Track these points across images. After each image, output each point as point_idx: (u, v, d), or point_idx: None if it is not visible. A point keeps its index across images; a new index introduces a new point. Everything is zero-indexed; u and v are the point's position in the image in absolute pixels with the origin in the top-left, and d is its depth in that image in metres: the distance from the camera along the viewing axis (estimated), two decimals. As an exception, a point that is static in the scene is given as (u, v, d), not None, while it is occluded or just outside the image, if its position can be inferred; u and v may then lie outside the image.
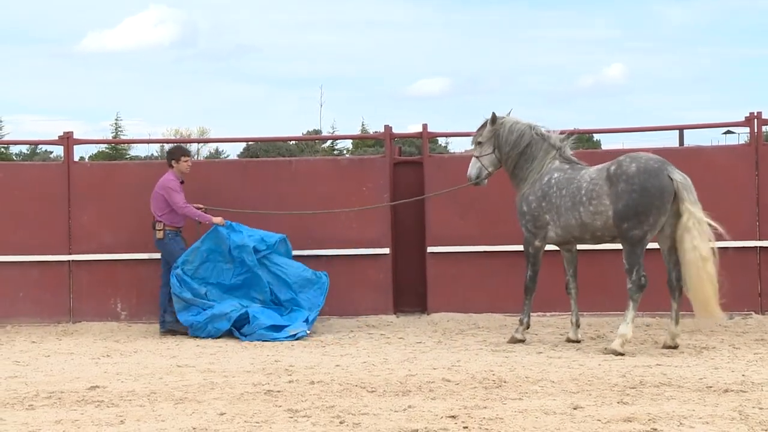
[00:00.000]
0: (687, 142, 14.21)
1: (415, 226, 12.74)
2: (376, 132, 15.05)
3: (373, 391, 7.99)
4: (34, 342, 11.13)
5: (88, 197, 12.59)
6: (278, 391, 8.00)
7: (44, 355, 10.27)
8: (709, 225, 9.90)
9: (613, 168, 10.08)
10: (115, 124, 34.82)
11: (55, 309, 12.43)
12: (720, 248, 9.98)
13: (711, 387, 7.92)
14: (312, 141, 29.00)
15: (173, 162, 11.80)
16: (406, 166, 13.14)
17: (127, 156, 24.27)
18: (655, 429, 6.54)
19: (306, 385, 8.25)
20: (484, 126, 10.91)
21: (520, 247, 11.62)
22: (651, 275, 10.08)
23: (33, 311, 12.29)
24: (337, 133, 32.37)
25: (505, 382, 8.29)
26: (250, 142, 28.52)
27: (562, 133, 10.85)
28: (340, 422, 6.89)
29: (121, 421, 7.06)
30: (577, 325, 10.71)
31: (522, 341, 10.58)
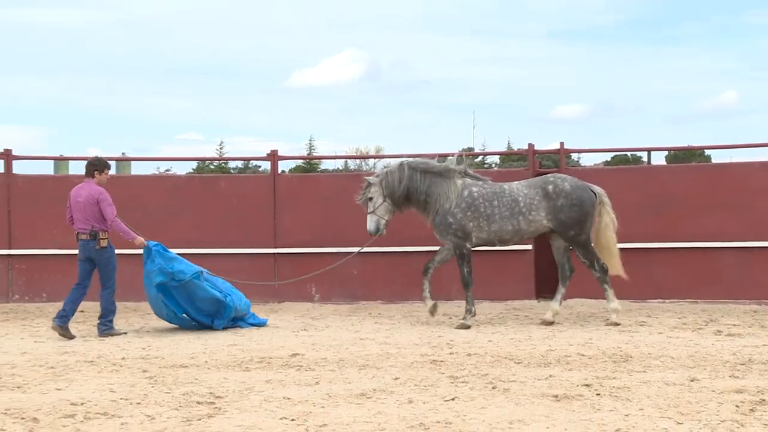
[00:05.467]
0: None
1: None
2: (519, 149, 14.91)
3: (519, 363, 7.92)
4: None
5: (289, 202, 12.88)
6: (441, 361, 8.01)
7: (256, 328, 10.50)
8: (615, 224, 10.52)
9: (550, 187, 10.36)
10: (309, 144, 35.51)
11: (264, 292, 12.65)
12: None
13: (812, 365, 7.57)
14: (466, 156, 29.02)
15: (96, 173, 10.15)
16: (546, 176, 12.98)
17: (319, 169, 24.73)
18: (764, 399, 6.27)
19: (464, 357, 8.24)
20: (366, 187, 10.65)
21: (637, 244, 11.73)
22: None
23: (247, 293, 12.58)
24: (486, 150, 32.15)
25: (631, 357, 8.10)
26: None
27: (441, 156, 11.01)
28: (493, 387, 6.85)
29: (317, 382, 7.19)
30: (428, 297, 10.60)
31: (469, 327, 10.25)
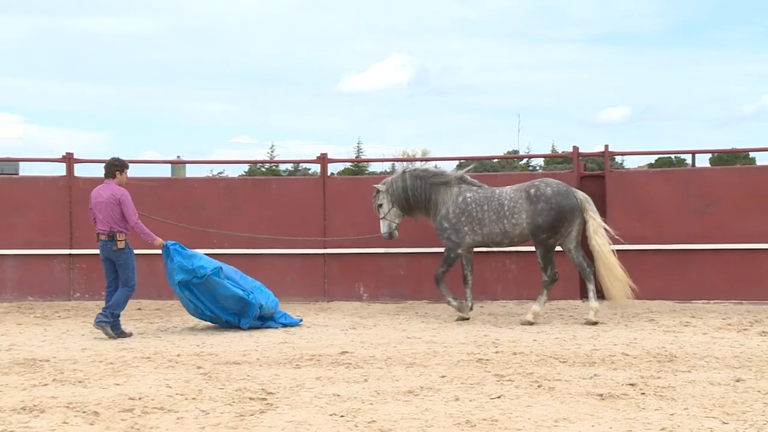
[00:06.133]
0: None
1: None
2: (564, 152, 14.79)
3: (564, 362, 7.85)
4: (298, 316, 11.30)
5: (338, 204, 12.90)
6: (487, 360, 7.97)
7: (306, 326, 10.51)
8: (605, 228, 10.51)
9: (533, 191, 10.51)
10: (357, 147, 35.68)
11: (313, 291, 12.76)
12: None
13: None
14: (511, 159, 28.78)
15: (118, 173, 9.90)
16: (590, 179, 12.86)
17: (366, 171, 24.80)
18: (809, 401, 6.14)
19: (509, 356, 8.19)
20: (376, 194, 11.18)
21: (682, 246, 11.82)
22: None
23: (297, 292, 12.65)
24: (531, 153, 32.03)
25: (675, 357, 7.98)
26: (462, 160, 28.56)
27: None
28: (538, 386, 6.80)
29: (365, 379, 7.19)
30: (471, 308, 10.98)
31: (467, 319, 10.76)
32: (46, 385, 7.07)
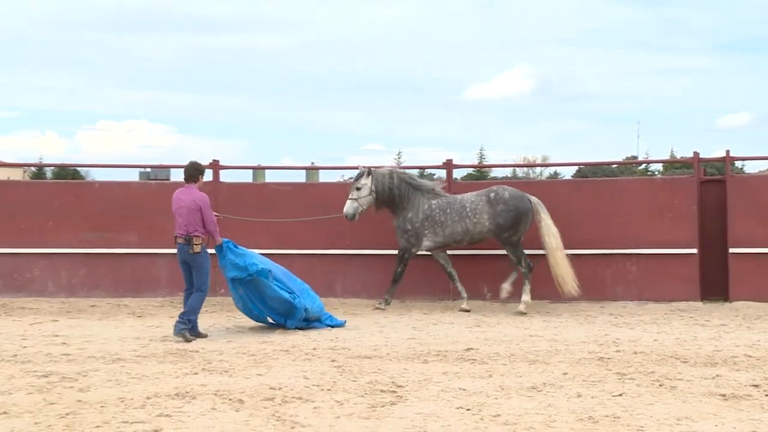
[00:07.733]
0: None
1: (718, 230, 12.02)
2: (683, 157, 14.34)
3: (685, 362, 7.61)
4: (425, 313, 11.38)
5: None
6: (608, 358, 7.81)
7: (433, 323, 10.50)
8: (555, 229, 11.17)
9: (492, 195, 11.42)
10: (480, 153, 35.59)
11: (439, 290, 12.69)
12: None
13: None
14: (630, 164, 28.05)
15: (200, 176, 9.70)
16: (710, 184, 12.44)
17: (489, 177, 24.68)
18: None
19: (630, 355, 8.00)
20: (360, 177, 11.58)
21: None
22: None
23: (424, 291, 12.65)
24: (650, 158, 31.07)
25: (800, 360, 7.62)
26: (581, 166, 28.01)
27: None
28: (660, 385, 6.62)
29: (490, 375, 7.16)
30: (466, 298, 11.71)
31: (383, 309, 11.42)
32: (196, 373, 7.33)
